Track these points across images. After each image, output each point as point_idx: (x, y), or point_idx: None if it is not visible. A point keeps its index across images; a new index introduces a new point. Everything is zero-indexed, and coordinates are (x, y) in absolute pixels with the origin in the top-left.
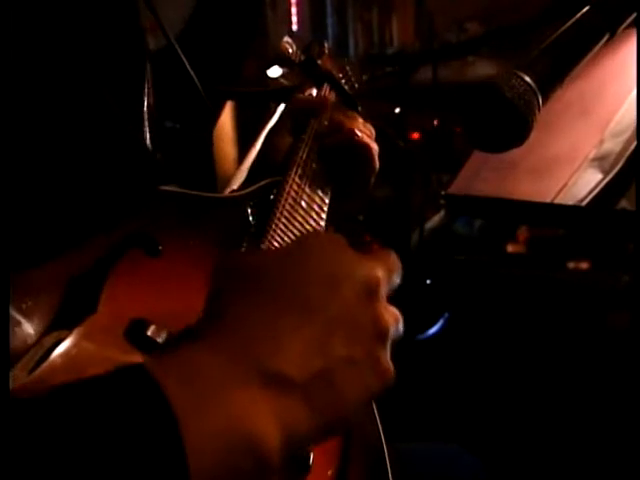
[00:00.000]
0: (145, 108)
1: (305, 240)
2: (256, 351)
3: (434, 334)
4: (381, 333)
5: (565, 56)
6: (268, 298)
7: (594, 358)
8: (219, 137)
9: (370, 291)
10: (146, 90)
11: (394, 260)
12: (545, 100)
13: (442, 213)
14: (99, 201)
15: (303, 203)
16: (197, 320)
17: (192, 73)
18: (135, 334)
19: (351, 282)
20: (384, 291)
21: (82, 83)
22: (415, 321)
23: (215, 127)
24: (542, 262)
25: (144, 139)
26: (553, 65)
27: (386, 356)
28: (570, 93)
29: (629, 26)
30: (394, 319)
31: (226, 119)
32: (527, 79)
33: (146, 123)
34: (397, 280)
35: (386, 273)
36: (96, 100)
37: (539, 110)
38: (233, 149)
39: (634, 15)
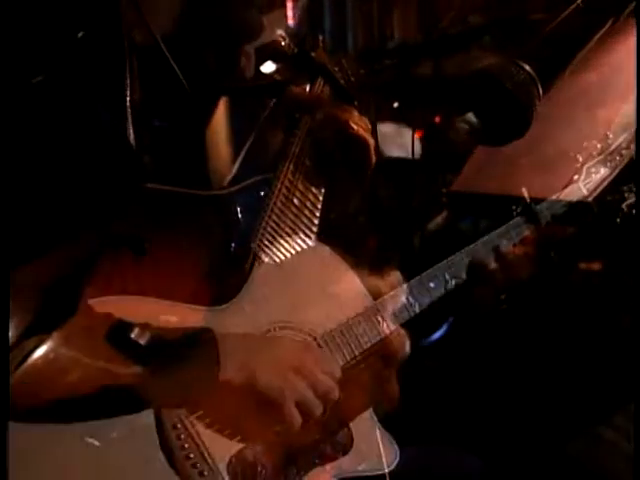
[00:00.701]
0: (128, 103)
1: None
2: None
3: (438, 338)
4: None
5: (566, 43)
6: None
7: (602, 361)
8: (213, 135)
9: None
10: (128, 83)
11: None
12: (546, 89)
13: (445, 213)
14: (82, 199)
15: (295, 200)
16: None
17: (176, 69)
18: (117, 337)
19: None
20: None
21: (65, 75)
22: (419, 325)
23: (208, 125)
24: (551, 263)
25: (127, 135)
26: (554, 53)
27: None
28: (575, 86)
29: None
30: None
31: (220, 117)
32: (527, 68)
33: (129, 119)
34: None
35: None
36: (78, 96)
37: (539, 99)
38: (227, 148)
39: (633, 5)
